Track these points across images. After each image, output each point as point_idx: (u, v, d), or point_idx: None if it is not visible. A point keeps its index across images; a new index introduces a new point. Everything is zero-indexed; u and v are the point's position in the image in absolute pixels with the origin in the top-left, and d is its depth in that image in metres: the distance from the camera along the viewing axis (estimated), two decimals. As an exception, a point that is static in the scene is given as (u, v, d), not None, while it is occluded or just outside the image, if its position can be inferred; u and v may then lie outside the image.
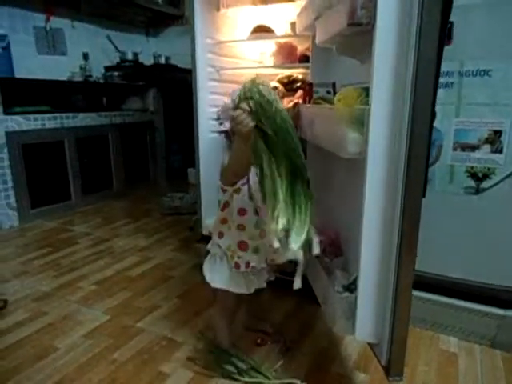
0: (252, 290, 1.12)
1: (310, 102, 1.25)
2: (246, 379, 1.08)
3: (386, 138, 0.78)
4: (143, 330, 1.32)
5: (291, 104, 1.44)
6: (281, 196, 0.85)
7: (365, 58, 0.99)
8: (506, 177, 1.14)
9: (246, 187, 1.07)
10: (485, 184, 1.17)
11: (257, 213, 1.07)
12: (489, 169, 1.15)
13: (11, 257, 1.92)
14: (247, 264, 1.08)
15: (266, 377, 1.08)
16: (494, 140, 1.13)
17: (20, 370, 1.13)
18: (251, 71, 1.75)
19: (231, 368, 1.11)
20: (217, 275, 1.10)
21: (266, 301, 1.41)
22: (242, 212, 1.07)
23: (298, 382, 1.07)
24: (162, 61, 3.42)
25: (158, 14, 3.39)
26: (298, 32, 1.37)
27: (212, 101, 1.64)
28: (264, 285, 1.17)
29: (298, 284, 0.93)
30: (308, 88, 1.29)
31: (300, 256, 0.86)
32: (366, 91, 0.81)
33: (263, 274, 1.17)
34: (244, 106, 0.87)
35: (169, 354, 1.21)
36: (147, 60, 3.48)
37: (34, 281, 1.67)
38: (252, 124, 0.87)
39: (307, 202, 0.89)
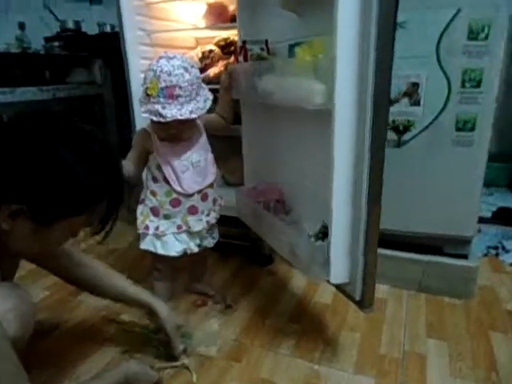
0: (172, 253, 1.15)
1: (245, 61, 1.23)
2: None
3: (352, 86, 0.81)
4: (77, 306, 1.32)
5: (220, 69, 1.42)
6: None
7: (308, 11, 0.99)
8: (425, 128, 1.18)
9: (152, 157, 1.12)
10: (405, 136, 1.20)
11: (167, 182, 1.10)
12: (409, 121, 1.18)
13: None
14: (156, 228, 1.14)
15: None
16: (413, 92, 1.16)
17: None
18: (184, 34, 1.70)
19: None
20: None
21: (208, 264, 1.43)
22: (154, 179, 1.14)
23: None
24: (108, 29, 3.25)
25: (98, -21, 3.19)
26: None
27: (144, 66, 1.58)
28: (195, 249, 1.20)
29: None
30: (242, 45, 1.26)
31: None
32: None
33: (193, 238, 1.18)
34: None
35: (106, 324, 1.21)
36: (92, 29, 3.29)
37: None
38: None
39: None
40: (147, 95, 1.01)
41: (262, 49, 1.16)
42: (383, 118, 0.83)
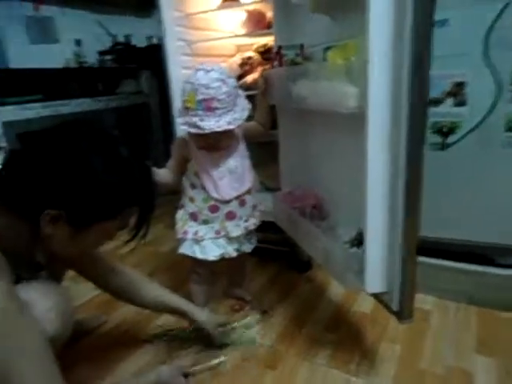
0: (210, 257, 1.16)
1: (281, 66, 1.23)
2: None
3: (386, 89, 0.78)
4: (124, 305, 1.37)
5: (257, 74, 1.43)
6: None
7: (340, 14, 0.98)
8: (472, 129, 1.10)
9: (191, 164, 1.14)
10: (450, 139, 1.14)
11: (204, 188, 1.13)
12: (453, 122, 1.12)
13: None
14: (195, 233, 1.16)
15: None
16: (458, 92, 1.09)
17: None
18: (224, 41, 1.73)
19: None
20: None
21: (247, 269, 1.44)
22: (192, 185, 1.16)
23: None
24: (155, 41, 3.40)
25: (147, -6, 3.35)
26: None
27: (185, 76, 1.63)
28: (233, 254, 1.20)
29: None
30: (277, 51, 1.26)
31: None
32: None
33: (231, 243, 1.20)
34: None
35: (149, 323, 1.26)
36: (140, 42, 3.46)
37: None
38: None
39: None
40: (185, 108, 1.03)
41: (297, 54, 1.16)
42: (421, 120, 0.79)
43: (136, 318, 1.29)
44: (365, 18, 0.75)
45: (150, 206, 0.80)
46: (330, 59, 0.89)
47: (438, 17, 1.03)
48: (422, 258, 1.26)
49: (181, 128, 1.08)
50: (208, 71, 1.01)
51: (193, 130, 1.02)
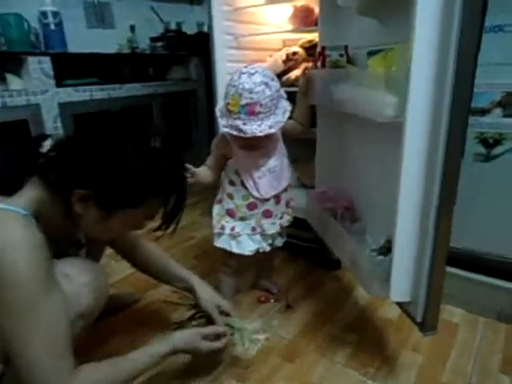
0: (246, 252, 1.20)
1: (323, 66, 1.23)
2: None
3: (426, 99, 0.78)
4: (158, 284, 1.45)
5: (301, 71, 1.43)
6: None
7: (387, 17, 0.97)
8: (520, 143, 1.05)
9: (230, 161, 1.16)
10: (496, 150, 1.09)
11: (244, 186, 1.14)
12: (500, 134, 1.07)
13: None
14: (232, 228, 1.18)
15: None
16: (508, 103, 1.04)
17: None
18: (270, 36, 1.74)
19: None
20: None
21: (276, 262, 1.47)
22: (231, 182, 1.18)
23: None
24: (205, 29, 3.45)
25: (200, -18, 3.39)
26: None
27: (231, 69, 1.66)
28: (267, 249, 1.24)
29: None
30: (321, 51, 1.26)
31: None
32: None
33: (266, 239, 1.23)
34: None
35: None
36: (191, 29, 3.53)
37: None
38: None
39: None
40: (228, 110, 1.04)
41: (341, 55, 1.15)
42: (460, 133, 0.78)
43: (171, 297, 1.36)
44: (410, 24, 0.74)
45: (178, 197, 0.82)
46: (370, 67, 0.88)
47: (491, 22, 1.00)
48: (454, 270, 1.25)
49: (223, 130, 1.10)
50: (252, 74, 1.01)
51: (235, 133, 1.03)
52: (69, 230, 0.86)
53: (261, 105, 1.00)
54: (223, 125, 1.07)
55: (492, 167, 1.13)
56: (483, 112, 1.08)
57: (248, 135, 1.01)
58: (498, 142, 1.08)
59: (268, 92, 1.01)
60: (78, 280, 0.78)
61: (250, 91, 0.99)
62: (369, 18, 1.00)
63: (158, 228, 0.84)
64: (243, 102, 0.99)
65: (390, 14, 0.92)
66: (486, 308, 1.22)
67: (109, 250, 1.16)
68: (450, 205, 0.82)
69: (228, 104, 1.03)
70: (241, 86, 1.00)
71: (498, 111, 1.06)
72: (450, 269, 1.26)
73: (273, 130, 1.03)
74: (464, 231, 1.19)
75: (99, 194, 0.75)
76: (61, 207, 0.77)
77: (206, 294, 1.07)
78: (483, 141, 1.10)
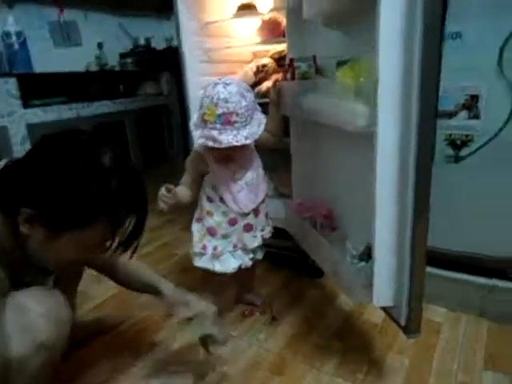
0: (230, 270, 1.18)
1: (293, 78, 1.25)
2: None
3: (395, 108, 0.80)
4: (141, 306, 1.41)
5: (272, 82, 1.44)
6: None
7: (352, 28, 0.99)
8: (486, 143, 1.09)
9: (208, 178, 1.15)
10: (464, 151, 1.13)
11: (223, 201, 1.13)
12: (467, 136, 1.11)
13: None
14: (215, 247, 1.16)
15: None
16: (471, 105, 1.08)
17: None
18: (241, 49, 1.75)
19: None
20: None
21: (258, 274, 1.46)
22: (209, 199, 1.16)
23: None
24: (174, 43, 3.44)
25: (167, -3, 3.40)
26: (274, 7, 1.35)
27: (202, 82, 1.66)
28: (249, 263, 1.23)
29: None
30: (289, 63, 1.28)
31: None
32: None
33: (247, 253, 1.22)
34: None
35: (161, 322, 1.30)
36: (161, 44, 3.51)
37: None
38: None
39: None
40: (204, 121, 1.03)
41: (309, 65, 1.17)
42: (429, 137, 0.80)
43: (152, 319, 1.33)
44: (375, 35, 0.77)
45: (137, 220, 0.79)
46: (339, 78, 0.90)
47: (451, 29, 1.04)
48: (435, 269, 1.27)
49: (198, 142, 1.07)
50: (227, 84, 1.01)
51: (210, 144, 1.02)
52: (29, 256, 0.80)
53: (237, 114, 1.00)
54: (198, 136, 1.05)
55: (460, 168, 1.17)
56: (450, 115, 1.11)
57: (224, 145, 1.00)
58: (464, 143, 1.12)
59: (244, 102, 1.01)
60: (34, 310, 0.74)
61: (226, 101, 0.99)
62: (334, 29, 1.02)
63: (110, 248, 0.79)
64: (219, 111, 0.99)
65: (355, 25, 0.95)
66: (468, 305, 1.24)
67: (88, 272, 1.12)
68: (425, 208, 0.84)
69: (204, 114, 1.02)
70: (216, 96, 0.99)
71: (464, 113, 1.10)
72: (428, 269, 1.30)
73: (248, 141, 1.03)
74: (438, 231, 1.23)
75: (44, 212, 0.71)
76: (11, 229, 0.73)
77: (172, 292, 1.04)
78: (452, 142, 1.14)
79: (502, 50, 1.00)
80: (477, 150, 1.11)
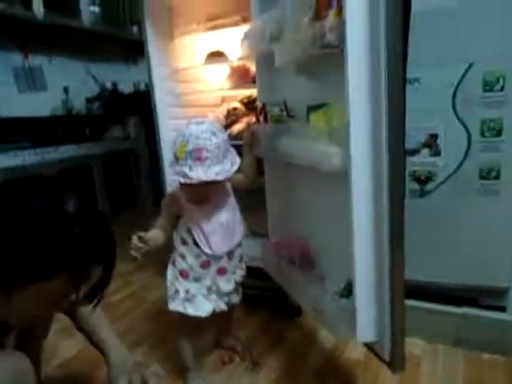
0: (203, 314, 1.14)
1: (266, 121, 1.30)
2: None
3: (367, 148, 0.85)
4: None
5: (242, 124, 1.50)
6: None
7: (321, 75, 1.04)
8: (447, 178, 1.17)
9: (183, 220, 1.14)
10: (428, 186, 1.20)
11: (196, 244, 1.12)
12: (430, 171, 1.19)
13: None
14: (187, 291, 1.13)
15: None
16: (432, 143, 1.17)
17: None
18: (211, 94, 1.81)
19: None
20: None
21: (234, 316, 1.42)
22: (183, 241, 1.15)
23: None
24: (142, 88, 3.50)
25: (133, 44, 3.48)
26: (243, 55, 1.42)
27: (173, 126, 1.69)
28: (224, 307, 1.19)
29: None
30: (262, 107, 1.33)
31: None
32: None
33: (221, 297, 1.19)
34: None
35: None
36: (128, 88, 3.56)
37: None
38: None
39: None
40: (176, 158, 1.04)
41: (281, 110, 1.22)
42: (400, 173, 0.85)
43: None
44: (345, 82, 0.82)
45: (104, 270, 0.75)
46: (313, 121, 0.95)
47: (410, 75, 1.13)
48: (411, 302, 1.30)
49: (171, 178, 1.09)
50: (200, 123, 1.04)
51: (181, 180, 1.02)
52: None
53: (207, 150, 1.00)
54: (171, 173, 1.06)
55: (426, 202, 1.24)
56: (413, 152, 1.19)
57: (194, 181, 1.00)
58: (428, 178, 1.19)
59: (214, 139, 1.02)
60: None
61: (197, 137, 1.00)
62: (304, 75, 1.09)
63: (76, 301, 0.75)
64: (190, 147, 1.00)
65: (325, 72, 1.01)
66: (444, 335, 1.27)
67: (57, 326, 1.06)
68: (400, 241, 0.87)
69: (176, 151, 1.03)
70: (188, 133, 1.02)
71: (425, 151, 1.18)
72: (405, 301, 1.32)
73: (219, 178, 1.03)
74: (410, 263, 1.27)
75: None
76: None
77: (115, 361, 1.01)
78: (416, 178, 1.21)
79: (454, 92, 1.11)
80: (440, 184, 1.18)
